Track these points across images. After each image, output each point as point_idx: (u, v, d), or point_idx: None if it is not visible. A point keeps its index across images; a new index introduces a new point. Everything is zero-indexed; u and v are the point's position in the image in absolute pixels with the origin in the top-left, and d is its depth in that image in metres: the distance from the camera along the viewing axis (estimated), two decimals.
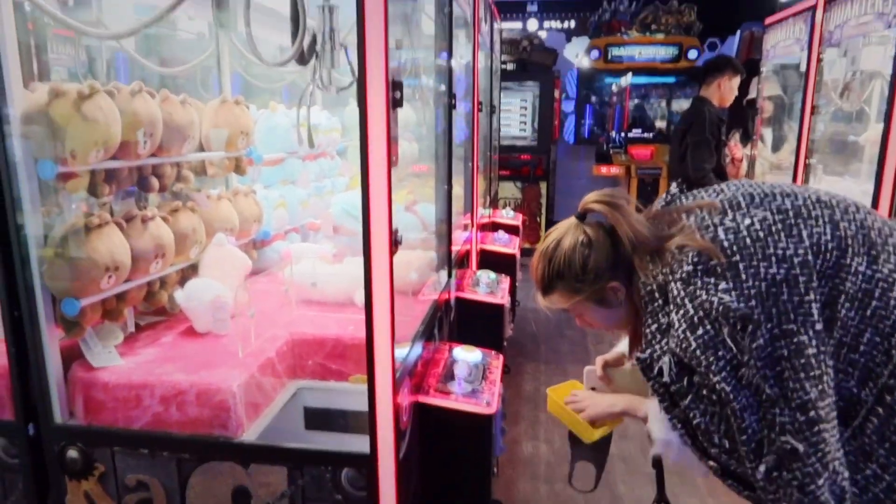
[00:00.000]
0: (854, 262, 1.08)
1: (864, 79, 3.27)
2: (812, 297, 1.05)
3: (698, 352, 1.07)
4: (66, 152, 1.43)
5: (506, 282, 2.86)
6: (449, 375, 1.88)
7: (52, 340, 1.48)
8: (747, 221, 1.11)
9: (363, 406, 1.41)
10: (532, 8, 7.70)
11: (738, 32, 5.98)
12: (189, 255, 1.86)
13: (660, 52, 6.15)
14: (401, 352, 1.56)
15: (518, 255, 3.50)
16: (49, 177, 1.41)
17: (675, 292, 1.11)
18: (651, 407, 1.25)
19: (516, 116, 6.44)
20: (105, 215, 1.53)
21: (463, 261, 2.99)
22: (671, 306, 1.12)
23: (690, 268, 1.09)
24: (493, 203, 4.92)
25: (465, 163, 3.12)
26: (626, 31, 6.22)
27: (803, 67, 3.55)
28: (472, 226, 3.24)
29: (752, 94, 4.55)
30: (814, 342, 1.04)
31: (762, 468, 1.05)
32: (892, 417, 1.06)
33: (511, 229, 3.94)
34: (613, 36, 6.27)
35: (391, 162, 1.31)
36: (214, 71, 2.43)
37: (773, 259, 1.07)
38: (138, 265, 1.63)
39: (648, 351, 1.17)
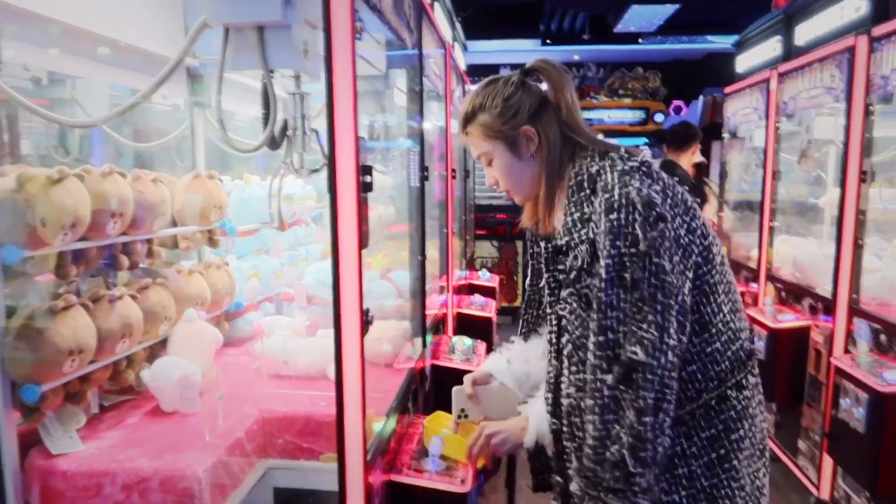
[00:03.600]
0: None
1: (819, 146, 3.43)
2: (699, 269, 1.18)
3: (601, 234, 1.11)
4: (37, 222, 1.41)
5: (482, 347, 2.85)
6: (423, 451, 1.84)
7: (9, 428, 1.43)
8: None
9: (334, 485, 1.38)
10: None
11: (702, 97, 6.24)
12: (158, 333, 1.84)
13: (627, 116, 6.39)
14: (373, 430, 1.53)
15: (494, 319, 3.50)
16: (14, 261, 1.39)
17: (609, 179, 1.15)
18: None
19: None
20: (71, 297, 1.51)
21: (439, 326, 2.98)
22: (598, 193, 1.16)
23: (636, 164, 1.16)
24: (470, 264, 4.95)
25: (439, 228, 3.16)
26: (594, 95, 6.47)
27: (756, 143, 3.72)
28: (448, 290, 3.25)
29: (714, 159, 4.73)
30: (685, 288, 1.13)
31: (609, 378, 1.09)
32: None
33: (487, 291, 3.96)
34: (583, 100, 6.52)
35: (362, 244, 1.32)
36: (189, 140, 2.46)
37: (696, 229, 1.18)
38: (104, 346, 1.60)
39: (566, 238, 1.20)
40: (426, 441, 1.68)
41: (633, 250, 1.08)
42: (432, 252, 3.01)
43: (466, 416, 1.63)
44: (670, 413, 1.09)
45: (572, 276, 1.16)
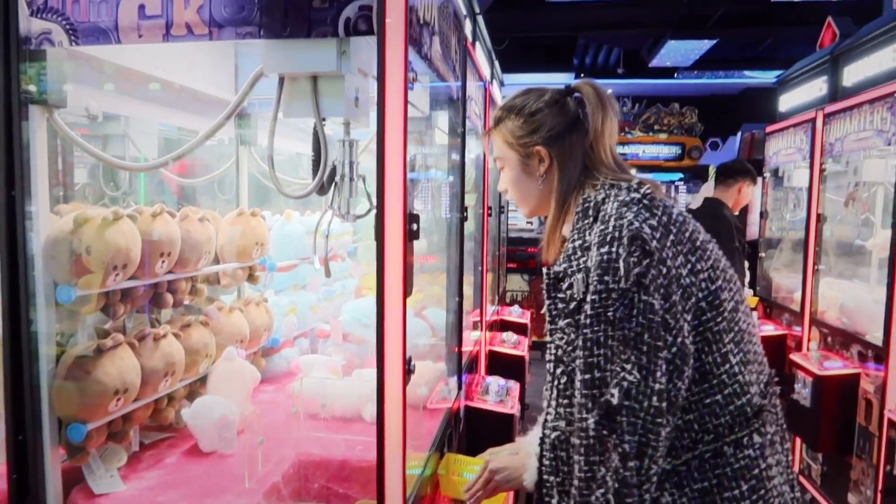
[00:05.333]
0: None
1: (867, 187, 3.34)
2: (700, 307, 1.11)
3: (593, 267, 1.08)
4: (83, 249, 1.43)
5: (515, 388, 2.81)
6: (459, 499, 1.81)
7: (54, 466, 1.44)
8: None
9: None
10: None
11: (740, 133, 6.17)
12: (198, 370, 1.85)
13: (663, 151, 6.35)
14: (411, 477, 1.51)
15: (527, 357, 3.46)
16: (67, 301, 1.42)
17: (609, 210, 1.13)
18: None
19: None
20: (118, 336, 1.53)
21: (472, 364, 2.95)
22: (598, 223, 1.13)
23: (637, 196, 1.13)
24: (502, 298, 4.92)
25: (474, 266, 3.15)
26: (629, 130, 6.45)
27: (796, 182, 3.63)
28: (482, 328, 3.22)
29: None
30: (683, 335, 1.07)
31: (591, 419, 1.05)
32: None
33: (519, 328, 3.92)
34: (618, 135, 6.49)
35: (406, 292, 1.32)
36: (232, 171, 2.50)
37: (700, 271, 1.11)
38: (147, 384, 1.61)
39: (564, 265, 1.16)
40: (443, 488, 1.68)
41: (618, 286, 1.04)
42: (466, 288, 2.99)
43: None
44: (657, 460, 1.04)
45: (572, 306, 1.13)
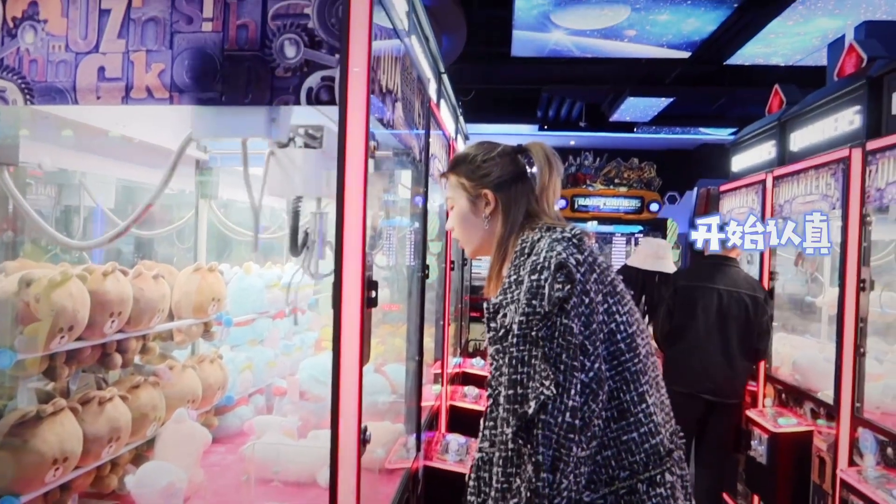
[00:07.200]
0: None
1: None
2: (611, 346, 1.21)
3: (522, 293, 1.17)
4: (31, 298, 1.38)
5: (476, 446, 2.77)
6: None
7: None
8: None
9: None
10: None
11: (696, 188, 6.39)
12: (146, 434, 1.77)
13: (623, 204, 6.53)
14: None
15: None
16: (7, 366, 1.35)
17: (543, 244, 1.23)
18: None
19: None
20: (60, 401, 1.46)
21: (432, 421, 2.90)
22: (532, 255, 1.22)
23: (568, 235, 1.24)
24: (465, 349, 4.89)
25: (436, 321, 3.13)
26: (590, 183, 6.62)
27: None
28: (443, 382, 3.19)
29: None
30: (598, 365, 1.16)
31: (509, 431, 1.13)
32: None
33: (481, 381, 3.88)
34: (579, 187, 6.65)
35: (363, 360, 1.30)
36: (191, 220, 2.46)
37: (616, 313, 1.22)
38: (90, 451, 1.54)
39: (500, 298, 1.25)
40: None
41: (541, 309, 1.14)
42: (427, 340, 2.97)
43: None
44: (568, 475, 1.10)
45: (501, 333, 1.21)
